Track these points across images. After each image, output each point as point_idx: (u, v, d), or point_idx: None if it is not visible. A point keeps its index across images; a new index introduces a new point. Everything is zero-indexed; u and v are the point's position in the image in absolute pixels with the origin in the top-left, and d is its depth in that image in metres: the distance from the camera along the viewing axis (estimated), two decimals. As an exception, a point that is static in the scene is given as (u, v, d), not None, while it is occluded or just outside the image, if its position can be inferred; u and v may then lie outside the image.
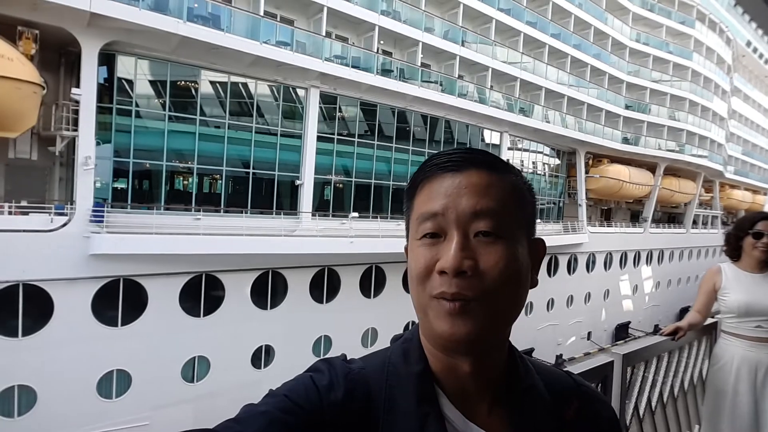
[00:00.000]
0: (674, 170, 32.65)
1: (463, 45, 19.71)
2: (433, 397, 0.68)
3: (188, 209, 13.64)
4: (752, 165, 45.33)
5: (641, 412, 2.73)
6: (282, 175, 15.34)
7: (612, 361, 2.34)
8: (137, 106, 12.87)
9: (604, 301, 28.03)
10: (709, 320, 3.24)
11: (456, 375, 0.70)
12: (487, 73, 20.77)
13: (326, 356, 0.76)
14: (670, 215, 38.14)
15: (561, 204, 26.88)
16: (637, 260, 30.48)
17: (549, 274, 23.96)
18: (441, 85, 18.90)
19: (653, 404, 2.88)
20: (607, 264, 28.04)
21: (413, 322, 0.76)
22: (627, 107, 29.14)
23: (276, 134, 15.15)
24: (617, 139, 27.69)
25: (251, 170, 14.78)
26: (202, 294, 13.37)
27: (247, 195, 14.74)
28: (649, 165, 30.54)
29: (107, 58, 12.15)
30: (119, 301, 12.00)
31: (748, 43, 43.95)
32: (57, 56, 12.36)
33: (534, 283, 0.71)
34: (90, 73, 11.51)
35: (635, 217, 33.23)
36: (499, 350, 0.72)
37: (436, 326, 0.65)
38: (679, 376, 3.16)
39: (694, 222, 36.25)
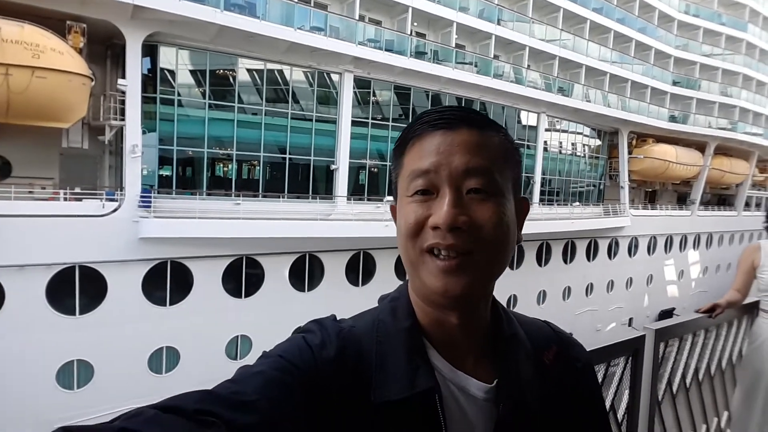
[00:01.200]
0: (725, 149, 30.84)
1: (498, 24, 19.24)
2: (422, 349, 0.71)
3: (228, 194, 14.13)
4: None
5: (674, 388, 2.71)
6: (317, 160, 15.58)
7: (644, 336, 2.30)
8: (179, 95, 13.34)
9: (647, 286, 27.13)
10: (751, 299, 3.15)
11: (444, 327, 0.73)
12: (524, 52, 20.23)
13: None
14: (720, 197, 36.24)
15: (601, 186, 26.07)
16: (683, 244, 29.24)
17: (588, 258, 23.40)
18: (476, 66, 18.55)
19: (687, 381, 2.85)
20: (651, 248, 27.05)
21: None
22: (674, 83, 27.73)
23: (311, 120, 15.34)
24: (663, 118, 26.41)
25: (287, 156, 15.07)
26: (243, 276, 13.89)
27: (284, 180, 15.08)
28: (698, 144, 28.98)
29: (150, 50, 12.62)
30: (167, 282, 12.65)
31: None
32: (103, 49, 12.93)
33: (519, 240, 0.73)
34: (134, 64, 11.99)
35: (682, 200, 31.80)
36: (485, 303, 0.76)
37: (429, 282, 0.67)
38: (716, 354, 3.10)
39: (747, 204, 34.30)
